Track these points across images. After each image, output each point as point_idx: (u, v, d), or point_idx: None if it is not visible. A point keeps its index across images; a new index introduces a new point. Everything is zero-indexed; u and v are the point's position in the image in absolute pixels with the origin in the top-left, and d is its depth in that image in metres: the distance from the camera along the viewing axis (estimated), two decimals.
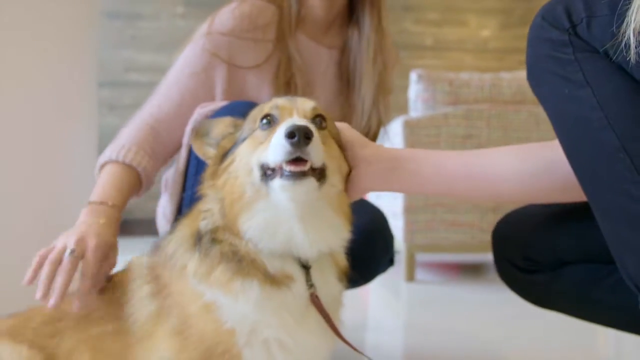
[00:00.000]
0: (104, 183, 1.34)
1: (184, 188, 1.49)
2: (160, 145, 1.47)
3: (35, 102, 1.94)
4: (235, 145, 1.06)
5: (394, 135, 3.23)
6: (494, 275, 3.60)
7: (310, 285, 1.02)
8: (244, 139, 1.04)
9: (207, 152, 1.12)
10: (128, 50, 5.65)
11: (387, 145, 3.56)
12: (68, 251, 1.10)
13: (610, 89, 0.92)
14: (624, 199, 0.92)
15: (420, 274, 3.53)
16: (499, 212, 3.03)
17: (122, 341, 1.05)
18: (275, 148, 0.94)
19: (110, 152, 1.40)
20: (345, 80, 1.66)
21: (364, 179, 1.13)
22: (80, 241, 1.13)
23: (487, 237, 3.61)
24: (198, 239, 1.03)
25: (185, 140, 1.49)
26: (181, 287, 1.03)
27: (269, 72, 1.57)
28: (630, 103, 0.91)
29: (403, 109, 3.60)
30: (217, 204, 1.04)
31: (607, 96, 0.92)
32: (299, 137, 0.91)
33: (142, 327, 1.05)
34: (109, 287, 1.14)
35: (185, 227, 1.07)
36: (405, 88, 3.52)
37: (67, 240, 1.13)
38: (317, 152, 0.94)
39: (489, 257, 4.29)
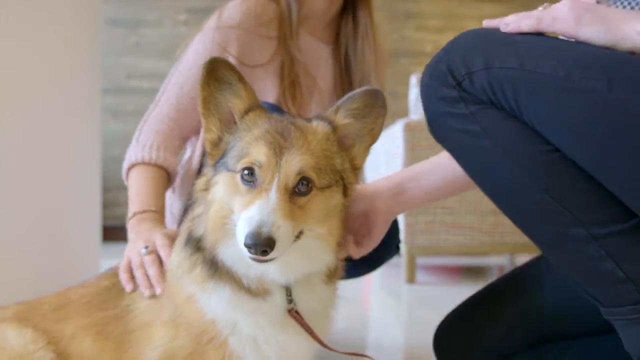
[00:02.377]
0: (141, 189, 1.38)
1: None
2: (179, 138, 1.51)
3: (39, 108, 1.95)
4: (221, 162, 1.03)
5: (394, 138, 3.25)
6: (494, 277, 3.61)
7: (289, 300, 1.03)
8: (228, 170, 1.00)
9: (211, 128, 1.06)
10: (131, 57, 5.69)
11: (387, 146, 3.52)
12: (143, 251, 1.17)
13: (508, 133, 0.95)
14: (556, 227, 0.95)
15: (420, 275, 3.54)
16: (499, 214, 3.02)
17: (122, 327, 1.08)
18: (239, 241, 0.93)
19: (138, 152, 1.43)
20: (339, 71, 1.71)
21: (382, 215, 1.22)
22: (147, 241, 1.20)
23: (488, 239, 3.58)
24: (188, 240, 1.07)
25: (202, 136, 1.51)
26: (170, 279, 1.09)
27: (274, 71, 1.61)
28: (530, 143, 0.94)
29: (404, 115, 3.62)
30: (204, 216, 1.04)
31: (508, 141, 0.95)
32: (256, 252, 0.90)
33: (141, 314, 1.08)
34: (113, 273, 1.16)
35: (185, 228, 1.11)
36: (405, 95, 3.55)
37: (135, 248, 1.19)
38: (282, 249, 0.91)
39: (489, 259, 4.30)
